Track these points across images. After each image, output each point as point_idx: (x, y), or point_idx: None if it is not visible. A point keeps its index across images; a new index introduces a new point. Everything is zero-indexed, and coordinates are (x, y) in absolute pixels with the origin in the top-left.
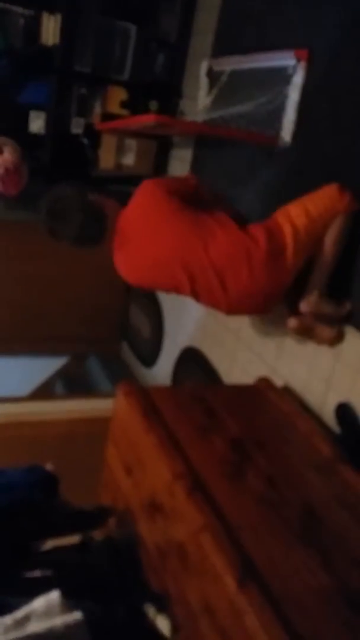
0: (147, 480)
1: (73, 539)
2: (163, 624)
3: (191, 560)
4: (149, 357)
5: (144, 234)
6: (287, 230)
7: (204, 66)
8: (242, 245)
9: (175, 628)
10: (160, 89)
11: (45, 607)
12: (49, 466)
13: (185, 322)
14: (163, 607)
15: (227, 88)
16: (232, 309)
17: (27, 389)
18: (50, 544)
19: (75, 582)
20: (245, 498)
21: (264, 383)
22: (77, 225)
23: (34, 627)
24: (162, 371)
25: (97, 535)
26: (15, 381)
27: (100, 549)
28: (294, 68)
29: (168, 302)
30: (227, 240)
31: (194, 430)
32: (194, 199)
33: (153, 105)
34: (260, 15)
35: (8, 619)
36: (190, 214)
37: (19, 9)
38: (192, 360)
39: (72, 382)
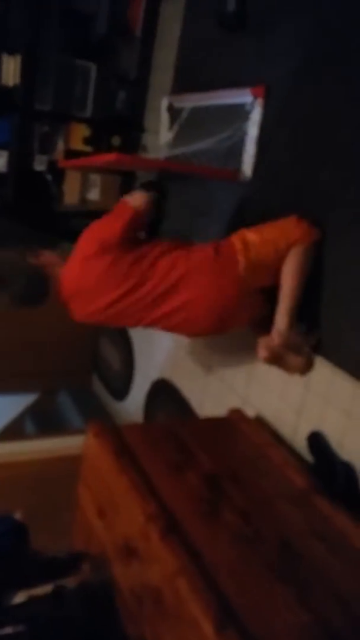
0: (120, 522)
1: (45, 589)
2: None
3: (168, 605)
4: (120, 390)
5: (88, 289)
6: (238, 245)
7: (164, 102)
8: (186, 262)
9: None
10: (122, 125)
11: None
12: (18, 515)
13: (156, 354)
14: None
15: (188, 124)
16: (191, 331)
17: None
18: (22, 595)
19: (50, 636)
20: (221, 536)
21: (236, 414)
22: (16, 291)
23: None
24: (134, 404)
25: (71, 582)
26: None
27: (75, 598)
28: (252, 105)
29: (138, 334)
30: (169, 264)
31: (167, 467)
32: (132, 228)
33: (116, 140)
34: (216, 52)
35: None
36: (126, 260)
37: None
38: (163, 393)
39: (42, 419)
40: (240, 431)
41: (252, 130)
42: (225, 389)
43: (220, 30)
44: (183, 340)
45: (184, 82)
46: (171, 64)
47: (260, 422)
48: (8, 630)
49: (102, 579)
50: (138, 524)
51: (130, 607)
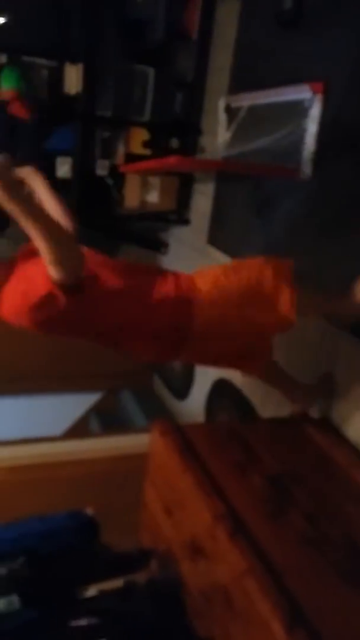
0: (187, 521)
1: (116, 584)
2: None
3: (236, 605)
4: (181, 390)
5: None
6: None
7: (221, 103)
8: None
9: None
10: (180, 127)
11: None
12: (89, 511)
13: None
14: None
15: (245, 123)
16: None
17: (62, 427)
18: (93, 589)
19: (120, 629)
20: (288, 538)
21: (300, 415)
22: None
23: None
24: (195, 403)
25: (140, 578)
26: (49, 420)
27: (144, 594)
28: (311, 101)
29: None
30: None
31: (231, 467)
32: None
33: (174, 143)
34: (274, 50)
35: None
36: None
37: (43, 61)
38: (224, 393)
39: (106, 418)
40: (304, 432)
41: (312, 126)
42: None
43: (277, 28)
44: None
45: (241, 82)
46: (228, 64)
47: (325, 423)
48: (82, 621)
49: (169, 576)
50: (205, 523)
51: (198, 605)
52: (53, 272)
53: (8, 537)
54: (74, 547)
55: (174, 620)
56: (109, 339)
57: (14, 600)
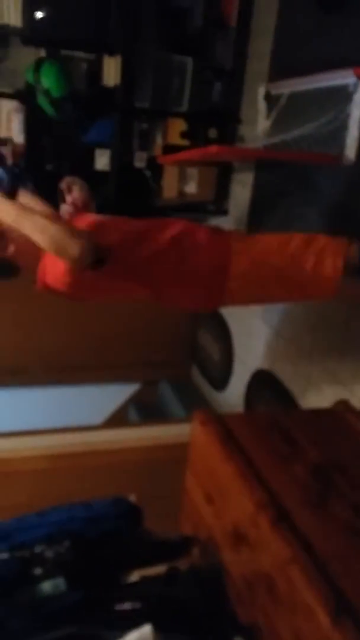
0: (229, 509)
1: (158, 570)
2: None
3: (281, 593)
4: (220, 381)
5: None
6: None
7: (261, 91)
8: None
9: None
10: (218, 117)
11: None
12: (132, 497)
13: (255, 344)
14: None
15: (286, 111)
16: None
17: (101, 416)
18: (136, 575)
19: (164, 614)
20: (331, 528)
21: (343, 406)
22: None
23: None
24: (234, 394)
25: (182, 565)
26: (89, 409)
27: (186, 580)
28: (355, 86)
29: (236, 324)
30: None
31: (273, 457)
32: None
33: (212, 133)
34: (315, 34)
35: None
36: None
37: (82, 54)
38: (264, 383)
39: (145, 408)
40: (347, 423)
41: (356, 112)
42: (329, 380)
43: (319, 12)
44: (284, 329)
45: (281, 69)
46: (267, 52)
47: None
48: (127, 605)
49: (211, 564)
50: (247, 512)
51: (240, 593)
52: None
53: (55, 520)
54: (118, 533)
55: (216, 606)
56: (151, 294)
57: (60, 582)
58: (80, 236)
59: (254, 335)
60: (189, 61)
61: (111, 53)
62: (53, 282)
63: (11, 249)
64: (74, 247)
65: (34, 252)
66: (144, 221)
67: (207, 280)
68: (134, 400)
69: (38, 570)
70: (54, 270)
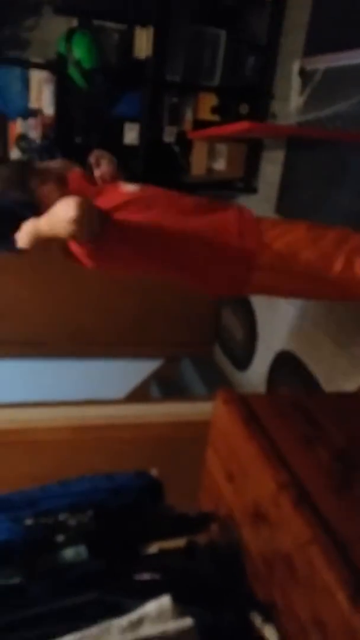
0: (249, 488)
1: (177, 543)
2: (270, 634)
3: (300, 573)
4: (242, 361)
5: None
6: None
7: (295, 66)
8: None
9: (283, 639)
10: (250, 92)
11: (158, 611)
12: (153, 472)
13: (279, 324)
14: (270, 617)
15: (321, 87)
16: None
17: (123, 391)
18: (155, 547)
19: (183, 587)
20: (353, 511)
21: None
22: None
23: (147, 630)
24: (256, 375)
25: (201, 540)
26: (112, 384)
27: (205, 555)
28: None
29: (261, 304)
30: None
31: (296, 439)
32: None
33: (244, 109)
34: (353, 9)
35: (124, 621)
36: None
37: (113, 25)
38: (287, 365)
39: (166, 385)
40: None
41: None
42: (354, 363)
43: None
44: (309, 311)
45: (318, 44)
46: (303, 26)
47: None
48: (146, 576)
49: (230, 541)
50: (269, 491)
51: (259, 571)
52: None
53: (78, 490)
54: (140, 505)
55: (234, 582)
56: (175, 273)
57: (82, 550)
58: (71, 204)
59: (278, 315)
60: (223, 34)
61: (143, 24)
62: (80, 257)
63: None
64: (67, 210)
65: None
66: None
67: (231, 268)
68: (156, 377)
69: (61, 538)
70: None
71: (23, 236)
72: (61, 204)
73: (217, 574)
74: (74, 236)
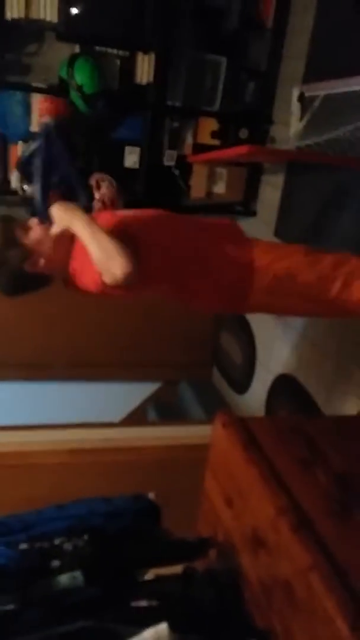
0: (248, 513)
1: (175, 569)
2: None
3: (299, 599)
4: (241, 384)
5: None
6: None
7: (295, 92)
8: None
9: None
10: (250, 117)
11: (155, 638)
12: (151, 495)
13: (279, 348)
14: None
15: (320, 113)
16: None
17: (120, 414)
18: (152, 573)
19: (180, 614)
20: (353, 537)
21: None
22: (3, 285)
23: None
24: (255, 398)
25: (199, 566)
26: (109, 406)
27: (203, 582)
28: None
29: (260, 327)
30: None
31: (295, 463)
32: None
33: (243, 133)
34: (353, 37)
35: None
36: None
37: (115, 51)
38: (287, 388)
39: (164, 408)
40: None
41: None
42: (354, 387)
43: (356, 14)
44: (308, 333)
45: (317, 70)
46: (303, 53)
47: None
48: (142, 603)
49: (228, 567)
50: (268, 517)
51: (258, 597)
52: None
53: (74, 514)
54: (137, 529)
55: (232, 609)
56: (174, 294)
57: (78, 576)
58: (130, 259)
59: (277, 339)
60: (223, 61)
61: (145, 50)
62: (84, 284)
63: (42, 262)
64: (119, 267)
65: (63, 260)
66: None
67: (230, 290)
68: (154, 400)
69: (56, 563)
70: (83, 276)
71: (62, 216)
72: (116, 246)
73: (216, 600)
74: (116, 284)
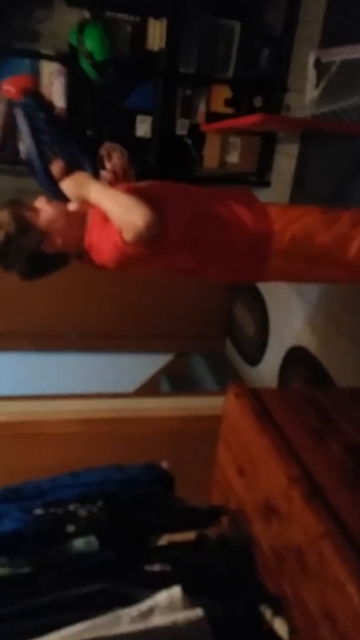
0: (261, 482)
1: (187, 536)
2: (281, 626)
3: (310, 566)
4: (254, 356)
5: None
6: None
7: (311, 58)
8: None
9: (293, 631)
10: (264, 85)
11: (168, 601)
12: (164, 464)
13: (292, 320)
14: (280, 610)
15: (337, 79)
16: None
17: (133, 385)
18: (165, 539)
19: (193, 579)
20: None
21: None
22: (21, 270)
23: (158, 620)
24: (267, 370)
25: (211, 533)
26: (122, 377)
27: (215, 548)
28: None
29: (274, 299)
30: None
31: (307, 434)
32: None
33: (257, 101)
34: None
35: (134, 610)
36: None
37: (126, 17)
38: (299, 360)
39: (176, 379)
40: None
41: None
42: None
43: None
44: (322, 305)
45: (334, 35)
46: (319, 18)
47: None
48: (156, 567)
49: (240, 534)
50: (280, 485)
51: (269, 564)
52: (125, 236)
53: (88, 481)
54: (150, 497)
55: (244, 575)
56: (189, 267)
57: (92, 540)
58: (150, 210)
59: (291, 310)
60: (237, 26)
61: (157, 16)
62: (100, 258)
63: (58, 241)
64: (140, 217)
65: (78, 235)
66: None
67: (248, 256)
68: (166, 371)
69: (71, 528)
70: (102, 246)
71: (75, 190)
72: (134, 200)
73: (228, 567)
74: (139, 238)
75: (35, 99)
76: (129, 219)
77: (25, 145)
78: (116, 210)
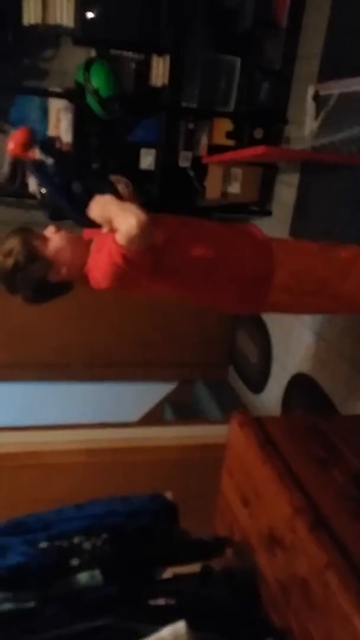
0: (265, 512)
1: (192, 568)
2: None
3: (316, 598)
4: (257, 383)
5: None
6: None
7: (310, 91)
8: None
9: None
10: (264, 117)
11: (173, 636)
12: (168, 495)
13: (295, 347)
14: None
15: (335, 112)
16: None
17: (137, 414)
18: (169, 572)
19: (198, 612)
20: None
21: None
22: (27, 296)
23: None
24: (271, 398)
25: (216, 565)
26: (126, 406)
27: (220, 580)
28: None
29: (276, 326)
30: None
31: (311, 463)
32: None
33: (258, 133)
34: None
35: None
36: None
37: (130, 54)
38: (303, 388)
39: (180, 408)
40: None
41: None
42: None
43: None
44: (324, 332)
45: (332, 69)
46: (317, 52)
47: None
48: (160, 601)
49: (245, 566)
50: (284, 516)
51: (274, 596)
52: (122, 243)
53: (93, 513)
54: (155, 529)
55: (249, 608)
56: (190, 294)
57: (96, 574)
58: (145, 213)
59: (294, 338)
60: (237, 61)
61: (160, 53)
62: (95, 277)
63: (63, 270)
64: (134, 216)
65: (81, 263)
66: (195, 223)
67: (248, 289)
68: (170, 399)
69: (75, 561)
70: (98, 263)
71: (97, 209)
72: (135, 205)
73: (233, 599)
74: (133, 240)
75: (41, 148)
76: (123, 218)
77: (45, 191)
78: (115, 210)
